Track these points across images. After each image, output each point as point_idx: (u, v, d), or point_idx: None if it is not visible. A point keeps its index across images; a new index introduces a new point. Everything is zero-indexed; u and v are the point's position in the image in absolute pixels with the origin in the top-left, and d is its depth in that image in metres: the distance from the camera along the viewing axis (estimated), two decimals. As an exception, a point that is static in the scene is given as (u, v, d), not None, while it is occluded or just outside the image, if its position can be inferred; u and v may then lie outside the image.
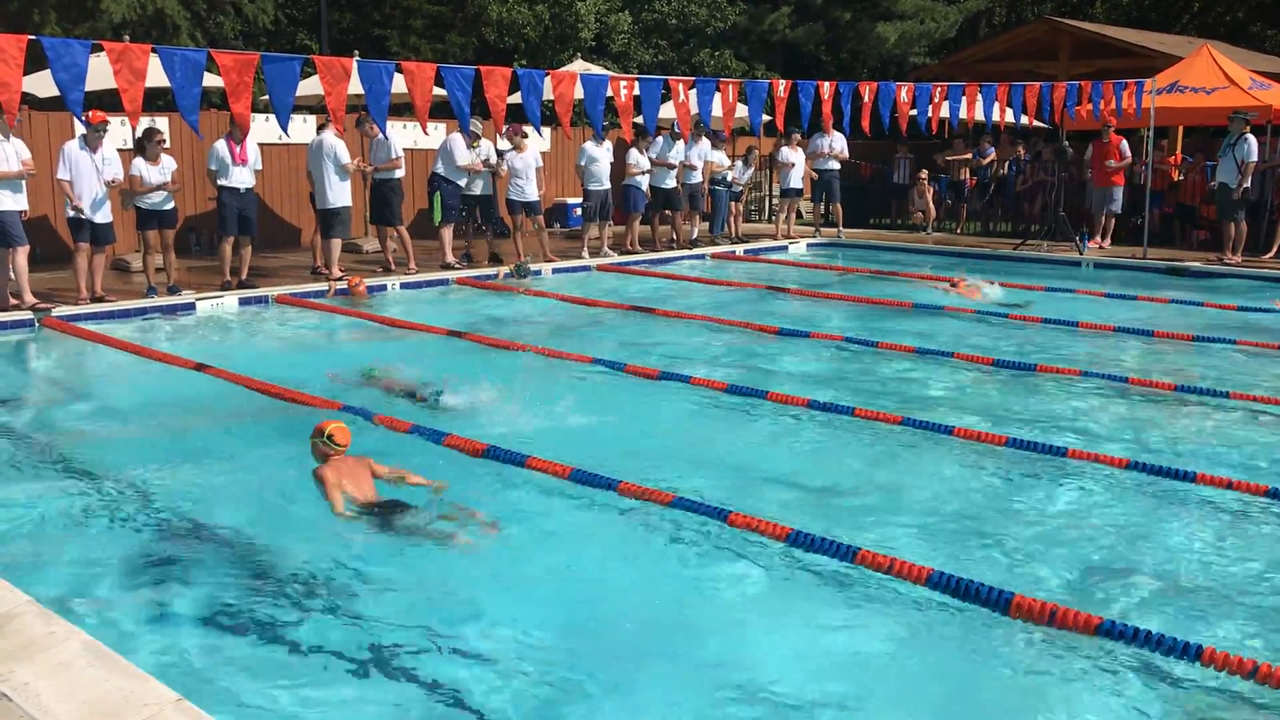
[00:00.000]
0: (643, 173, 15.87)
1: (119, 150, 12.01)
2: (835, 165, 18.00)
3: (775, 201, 19.26)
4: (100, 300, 11.10)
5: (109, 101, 13.55)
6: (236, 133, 11.92)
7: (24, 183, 10.54)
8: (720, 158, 17.47)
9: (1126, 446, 6.84)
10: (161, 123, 14.83)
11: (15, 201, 10.43)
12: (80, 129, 11.02)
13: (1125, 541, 5.36)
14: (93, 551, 5.08)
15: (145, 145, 11.43)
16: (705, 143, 16.88)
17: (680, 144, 16.29)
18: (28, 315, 10.32)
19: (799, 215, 18.86)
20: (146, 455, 6.52)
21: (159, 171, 11.48)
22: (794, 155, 17.66)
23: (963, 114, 15.52)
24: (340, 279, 12.53)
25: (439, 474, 5.88)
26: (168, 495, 5.87)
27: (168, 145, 11.41)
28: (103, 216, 11.04)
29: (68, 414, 7.48)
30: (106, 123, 11.02)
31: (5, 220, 10.38)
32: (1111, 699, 3.92)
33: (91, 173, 10.85)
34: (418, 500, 5.50)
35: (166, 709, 3.07)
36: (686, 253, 16.31)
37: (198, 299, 11.45)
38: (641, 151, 15.77)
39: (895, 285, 13.68)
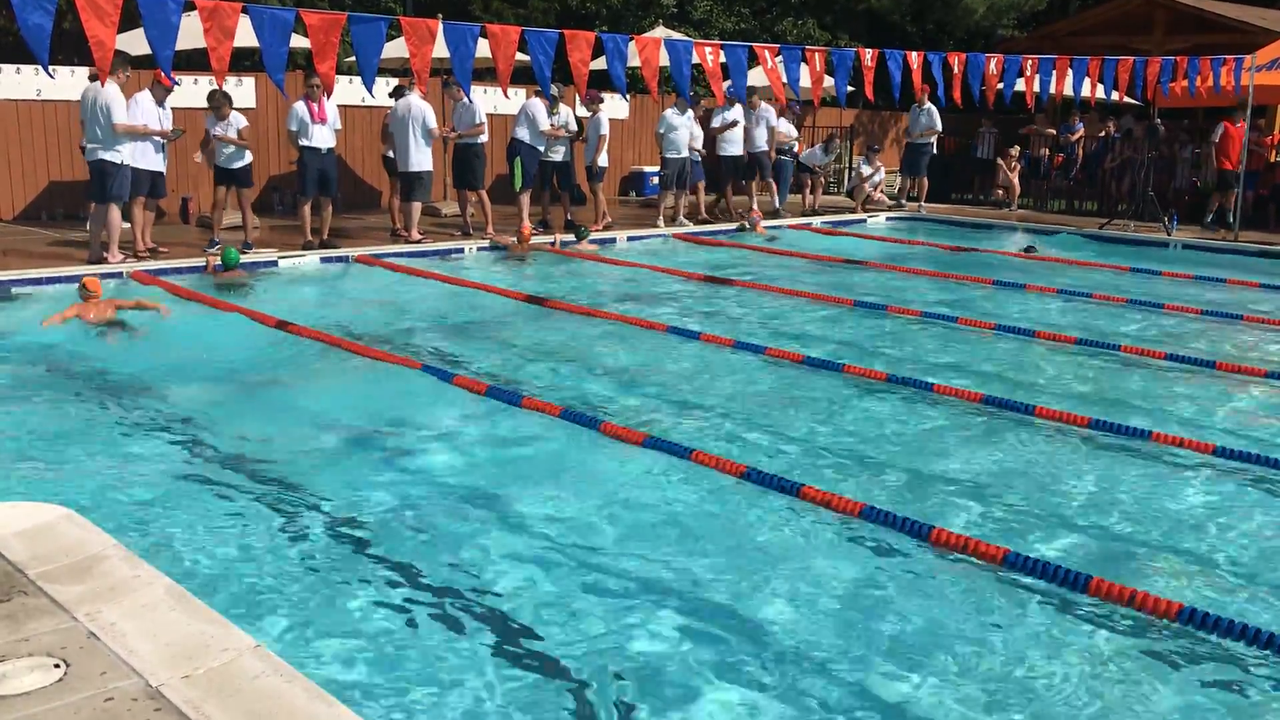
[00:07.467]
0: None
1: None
2: (929, 138, 17.75)
3: (852, 174, 19.16)
4: (154, 253, 11.36)
5: (197, 60, 13.76)
6: (314, 92, 12.07)
7: (127, 147, 10.86)
8: (787, 128, 17.16)
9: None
10: (248, 82, 15.05)
11: (117, 155, 10.74)
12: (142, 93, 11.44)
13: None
14: (178, 500, 5.19)
15: (212, 106, 11.81)
16: (770, 111, 16.57)
17: (735, 109, 15.90)
18: (120, 268, 10.56)
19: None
20: (232, 406, 6.68)
21: (222, 127, 11.80)
22: (874, 173, 18.27)
23: (1052, 88, 15.15)
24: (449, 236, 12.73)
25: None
26: (251, 448, 5.99)
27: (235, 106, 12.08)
28: (159, 165, 11.46)
29: (150, 366, 7.62)
30: (174, 86, 11.74)
31: (106, 170, 10.70)
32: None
33: (155, 123, 11.34)
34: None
35: (245, 655, 3.12)
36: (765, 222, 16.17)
37: (279, 257, 11.62)
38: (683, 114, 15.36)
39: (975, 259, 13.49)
